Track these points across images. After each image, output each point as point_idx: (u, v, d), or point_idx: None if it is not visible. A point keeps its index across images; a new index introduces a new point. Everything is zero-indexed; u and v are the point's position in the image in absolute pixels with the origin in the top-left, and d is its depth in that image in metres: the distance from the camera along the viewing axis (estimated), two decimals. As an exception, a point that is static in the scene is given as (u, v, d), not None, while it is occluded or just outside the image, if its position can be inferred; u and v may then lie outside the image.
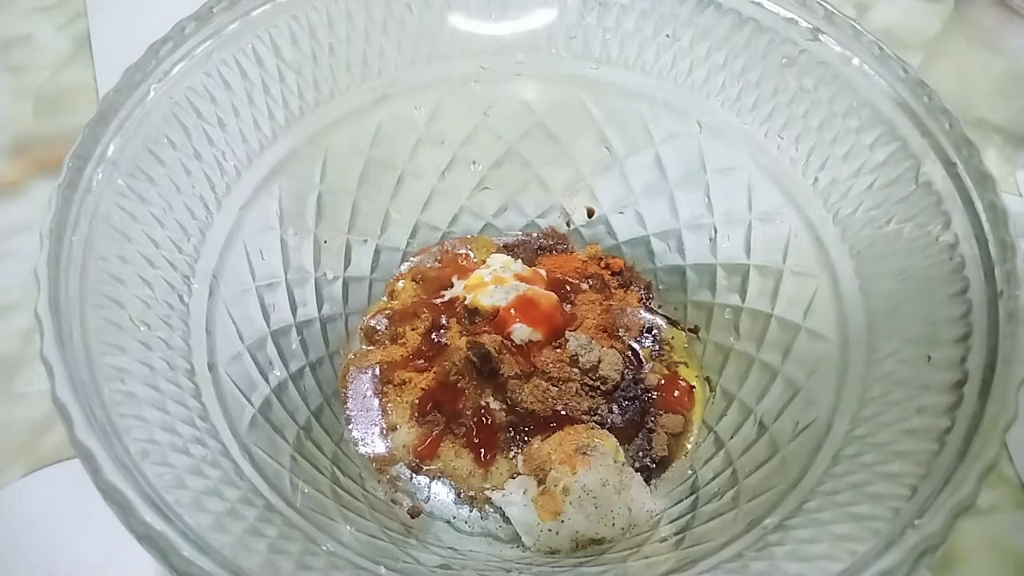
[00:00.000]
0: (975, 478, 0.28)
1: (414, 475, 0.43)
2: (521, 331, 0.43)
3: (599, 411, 0.43)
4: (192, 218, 0.38)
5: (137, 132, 0.36)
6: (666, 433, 0.44)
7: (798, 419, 0.38)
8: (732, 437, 0.41)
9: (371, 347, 0.47)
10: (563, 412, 0.42)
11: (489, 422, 0.42)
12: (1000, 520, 0.45)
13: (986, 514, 0.45)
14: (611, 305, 0.47)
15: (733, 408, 0.43)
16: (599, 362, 0.43)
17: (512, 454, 0.42)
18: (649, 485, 0.42)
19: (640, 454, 0.43)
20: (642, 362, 0.46)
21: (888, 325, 0.36)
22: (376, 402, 0.45)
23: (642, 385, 0.45)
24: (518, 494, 0.41)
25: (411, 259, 0.50)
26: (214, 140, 0.39)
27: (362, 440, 0.44)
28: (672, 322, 0.48)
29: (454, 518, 0.42)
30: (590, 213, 0.50)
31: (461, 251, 0.50)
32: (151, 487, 0.28)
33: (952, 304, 0.33)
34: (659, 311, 0.48)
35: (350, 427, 0.44)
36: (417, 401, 0.44)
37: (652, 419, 0.44)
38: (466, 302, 0.45)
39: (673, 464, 0.43)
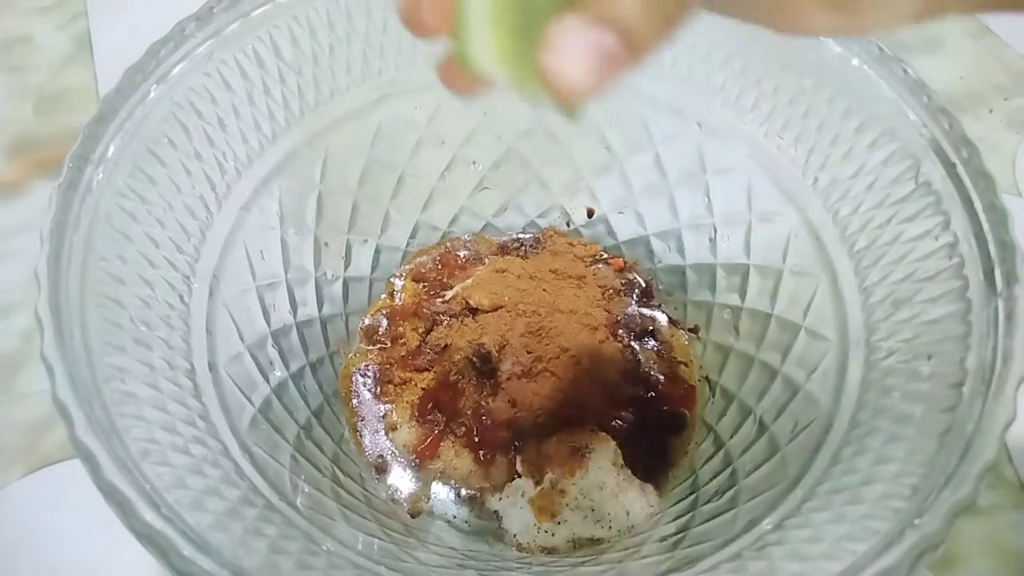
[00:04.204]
0: (975, 478, 0.28)
1: (414, 475, 0.43)
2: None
3: (599, 412, 0.43)
4: (192, 218, 0.38)
5: (137, 132, 0.36)
6: (666, 433, 0.44)
7: (798, 419, 0.38)
8: (732, 437, 0.41)
9: (371, 347, 0.47)
10: (563, 413, 0.42)
11: (489, 422, 0.42)
12: (1000, 520, 0.45)
13: (986, 514, 0.45)
14: (611, 305, 0.47)
15: (733, 408, 0.43)
16: (600, 364, 0.43)
17: (512, 454, 0.42)
18: (648, 485, 0.42)
19: (640, 455, 0.43)
20: (642, 362, 0.46)
21: (888, 325, 0.36)
22: (376, 402, 0.45)
23: (642, 385, 0.45)
24: (515, 495, 0.41)
25: (411, 259, 0.50)
26: (214, 140, 0.39)
27: (362, 439, 0.44)
28: (672, 322, 0.48)
29: (454, 518, 0.42)
30: (590, 213, 0.50)
31: (461, 251, 0.50)
32: (151, 487, 0.28)
33: (951, 304, 0.33)
34: (659, 311, 0.48)
35: (350, 426, 0.44)
36: (417, 401, 0.44)
37: (652, 419, 0.44)
38: (466, 302, 0.45)
39: (673, 464, 0.43)
